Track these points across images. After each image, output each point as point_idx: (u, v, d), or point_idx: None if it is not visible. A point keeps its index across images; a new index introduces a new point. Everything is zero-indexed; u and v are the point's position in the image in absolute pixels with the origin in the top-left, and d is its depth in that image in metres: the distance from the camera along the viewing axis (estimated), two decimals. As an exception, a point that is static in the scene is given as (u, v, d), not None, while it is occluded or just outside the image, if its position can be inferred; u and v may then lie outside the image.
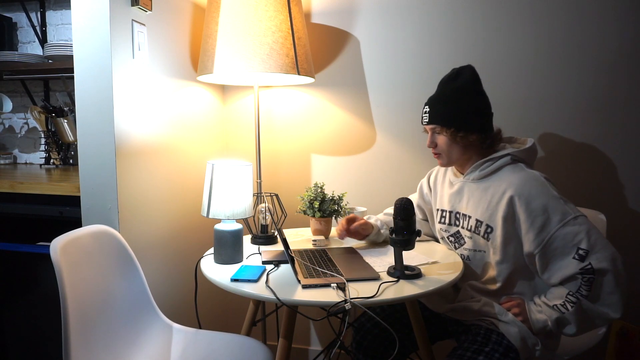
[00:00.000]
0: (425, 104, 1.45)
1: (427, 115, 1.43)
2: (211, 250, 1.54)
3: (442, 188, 1.56)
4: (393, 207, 1.31)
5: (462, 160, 1.45)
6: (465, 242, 1.47)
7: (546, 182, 1.32)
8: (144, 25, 1.53)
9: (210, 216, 1.40)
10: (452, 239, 1.52)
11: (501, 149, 1.44)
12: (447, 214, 1.52)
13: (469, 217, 1.44)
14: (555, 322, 1.30)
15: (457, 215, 1.48)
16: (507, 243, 1.36)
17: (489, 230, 1.38)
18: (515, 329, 1.31)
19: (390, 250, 1.54)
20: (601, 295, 1.26)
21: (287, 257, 1.34)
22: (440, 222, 1.55)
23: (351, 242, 1.66)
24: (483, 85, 1.44)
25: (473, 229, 1.42)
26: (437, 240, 1.65)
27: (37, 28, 2.32)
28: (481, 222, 1.40)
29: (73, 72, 1.42)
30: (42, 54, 2.17)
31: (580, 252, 1.24)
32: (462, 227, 1.47)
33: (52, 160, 2.23)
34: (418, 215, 1.68)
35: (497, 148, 1.45)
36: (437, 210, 1.57)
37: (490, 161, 1.40)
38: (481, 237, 1.40)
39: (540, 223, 1.28)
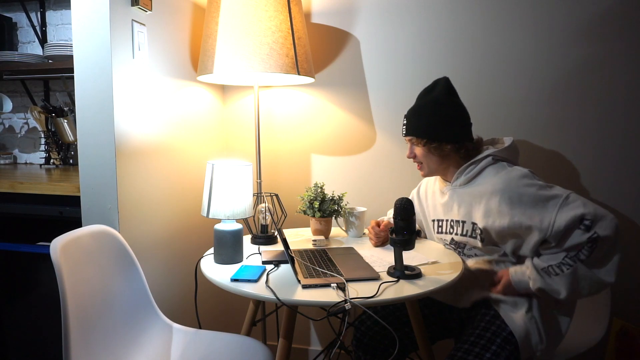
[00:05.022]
0: (404, 116, 1.50)
1: (405, 127, 1.49)
2: (211, 250, 1.54)
3: (433, 199, 1.59)
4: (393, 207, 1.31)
5: (440, 170, 1.49)
6: (464, 247, 1.48)
7: (529, 174, 1.34)
8: (144, 25, 1.53)
9: (210, 216, 1.40)
10: (452, 246, 1.53)
11: (484, 151, 1.47)
12: (443, 222, 1.54)
13: (463, 222, 1.45)
14: (542, 280, 1.30)
15: (452, 223, 1.50)
16: (503, 242, 1.38)
17: (482, 233, 1.39)
18: (521, 323, 1.33)
19: (390, 250, 1.54)
20: (599, 260, 1.27)
21: (287, 257, 1.34)
22: (437, 232, 1.57)
23: (351, 242, 1.66)
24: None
25: (469, 233, 1.44)
26: None
27: (37, 28, 2.32)
28: (474, 225, 1.41)
29: (73, 72, 1.42)
30: (42, 54, 2.17)
31: (586, 222, 1.24)
32: (457, 234, 1.48)
33: (52, 160, 2.23)
34: None
35: (480, 152, 1.47)
36: (433, 221, 1.58)
37: (473, 164, 1.43)
38: (478, 240, 1.41)
39: (539, 212, 1.28)
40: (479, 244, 1.41)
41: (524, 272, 1.35)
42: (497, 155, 1.41)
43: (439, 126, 1.42)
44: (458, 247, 1.51)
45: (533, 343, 1.32)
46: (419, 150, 1.47)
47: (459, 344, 1.31)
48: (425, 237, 1.69)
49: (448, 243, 1.54)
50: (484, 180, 1.39)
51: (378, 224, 1.62)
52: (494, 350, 1.26)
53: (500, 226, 1.34)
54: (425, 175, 1.52)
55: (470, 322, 1.42)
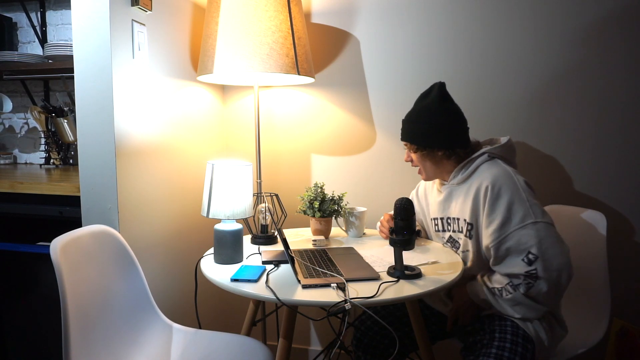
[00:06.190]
0: (402, 121, 1.52)
1: (401, 132, 1.51)
2: (211, 250, 1.54)
3: (432, 197, 1.59)
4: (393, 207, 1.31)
5: (437, 174, 1.51)
6: (460, 245, 1.48)
7: (517, 183, 1.34)
8: (144, 25, 1.53)
9: (210, 216, 1.40)
10: (448, 244, 1.54)
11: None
12: (439, 220, 1.54)
13: (458, 219, 1.46)
14: (488, 294, 1.37)
15: (449, 221, 1.51)
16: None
17: (471, 228, 1.41)
18: (529, 323, 1.33)
19: (390, 250, 1.54)
20: (536, 297, 1.30)
21: (287, 257, 1.34)
22: (436, 231, 1.58)
23: (351, 242, 1.66)
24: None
25: (464, 230, 1.44)
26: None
27: (37, 28, 2.32)
28: (465, 221, 1.42)
29: (73, 72, 1.42)
30: (42, 54, 2.17)
31: (530, 256, 1.27)
32: (454, 231, 1.49)
33: (52, 160, 2.23)
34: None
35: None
36: (432, 219, 1.59)
37: (469, 162, 1.44)
38: (468, 237, 1.42)
39: (501, 220, 1.31)
40: (469, 242, 1.42)
41: (477, 283, 1.40)
42: (493, 152, 1.42)
43: (430, 133, 1.43)
44: (453, 245, 1.52)
45: (542, 338, 1.32)
46: (414, 156, 1.50)
47: (484, 350, 1.29)
48: (427, 237, 1.69)
49: (446, 241, 1.54)
50: (478, 177, 1.40)
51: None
52: (521, 352, 1.26)
53: (480, 220, 1.37)
54: (426, 179, 1.54)
55: (477, 326, 1.41)
